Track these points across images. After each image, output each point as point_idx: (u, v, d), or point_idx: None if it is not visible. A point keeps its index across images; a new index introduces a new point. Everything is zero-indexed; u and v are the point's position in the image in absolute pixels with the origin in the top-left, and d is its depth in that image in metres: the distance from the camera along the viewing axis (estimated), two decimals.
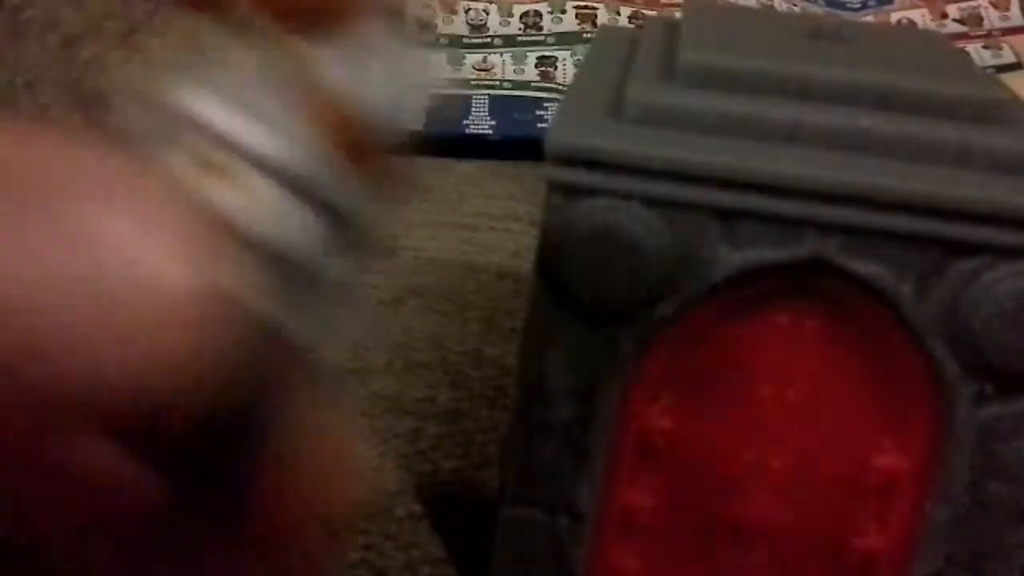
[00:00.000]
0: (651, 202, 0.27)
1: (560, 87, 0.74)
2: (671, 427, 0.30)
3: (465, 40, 0.78)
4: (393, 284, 0.53)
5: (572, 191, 0.27)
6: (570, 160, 0.27)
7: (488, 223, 0.60)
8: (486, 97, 0.73)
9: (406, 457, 0.41)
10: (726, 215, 0.27)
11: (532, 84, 0.74)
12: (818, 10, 0.86)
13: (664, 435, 0.30)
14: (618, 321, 0.28)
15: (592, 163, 0.27)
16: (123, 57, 0.57)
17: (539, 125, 0.71)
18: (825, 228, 0.27)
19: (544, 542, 0.31)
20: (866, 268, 0.28)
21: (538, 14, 0.79)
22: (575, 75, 0.33)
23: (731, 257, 0.28)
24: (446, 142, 0.70)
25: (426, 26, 0.78)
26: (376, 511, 0.38)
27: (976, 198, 0.27)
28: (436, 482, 0.39)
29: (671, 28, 0.35)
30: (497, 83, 0.74)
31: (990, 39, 0.85)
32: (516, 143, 0.70)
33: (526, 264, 0.55)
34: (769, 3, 0.82)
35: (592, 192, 0.27)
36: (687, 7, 0.37)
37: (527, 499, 0.31)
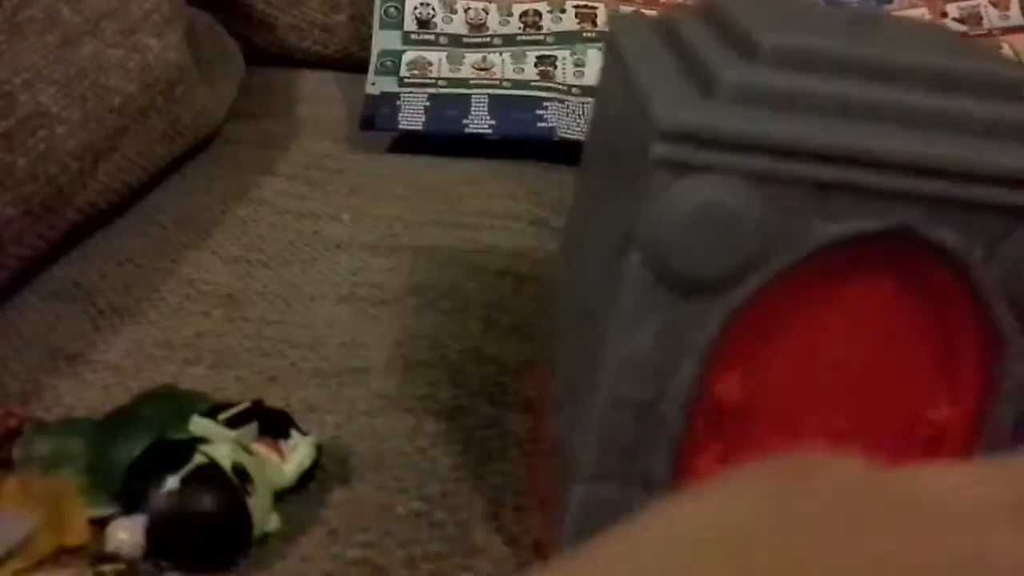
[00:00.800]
0: (751, 177, 0.29)
1: (559, 86, 0.74)
2: (743, 395, 0.32)
3: (465, 39, 0.78)
4: (393, 282, 0.53)
5: (680, 168, 0.28)
6: (680, 138, 0.28)
7: (488, 222, 0.60)
8: (486, 96, 0.73)
9: (406, 455, 0.40)
10: (821, 188, 0.29)
11: (532, 83, 0.74)
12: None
13: (735, 403, 0.32)
14: (713, 292, 0.30)
15: (701, 141, 0.28)
16: (122, 56, 0.56)
17: (538, 124, 0.71)
18: (910, 199, 0.29)
19: (617, 515, 0.32)
20: (944, 235, 0.30)
21: (537, 13, 0.79)
22: (636, 62, 0.34)
23: (825, 229, 0.29)
24: (446, 141, 0.70)
25: (426, 24, 0.78)
26: (376, 508, 0.38)
27: None
28: (436, 479, 0.39)
29: (710, 16, 0.36)
30: (497, 82, 0.74)
31: (990, 38, 0.85)
32: (515, 142, 0.70)
33: (526, 263, 0.55)
34: None
35: (699, 168, 0.28)
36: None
37: (601, 475, 0.32)
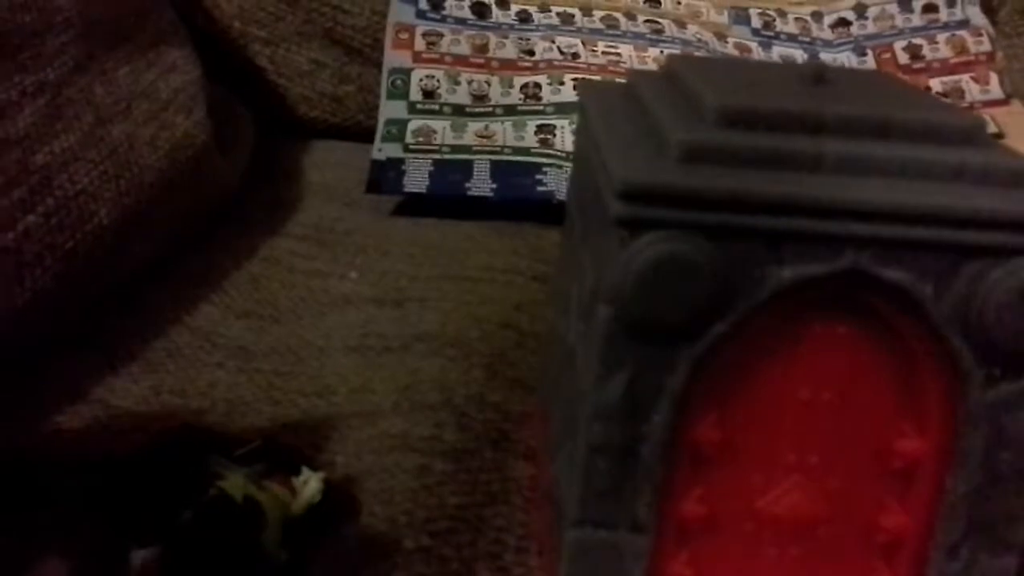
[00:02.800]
0: (708, 230, 0.30)
1: (559, 153, 0.77)
2: (719, 438, 0.33)
3: (468, 109, 0.81)
4: (400, 332, 0.55)
5: (638, 225, 0.30)
6: (635, 197, 0.30)
7: (491, 276, 0.62)
8: (487, 162, 0.76)
9: (414, 492, 0.42)
10: (774, 237, 0.31)
11: (532, 150, 0.77)
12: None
13: (713, 446, 0.33)
14: (679, 341, 0.31)
15: (656, 199, 0.30)
16: (152, 134, 0.60)
17: (538, 188, 0.74)
18: (860, 242, 0.31)
19: (607, 559, 0.34)
20: (894, 275, 0.31)
21: (538, 85, 0.82)
22: (599, 125, 0.36)
23: (779, 275, 0.31)
24: (448, 204, 0.73)
25: (431, 95, 0.82)
26: (385, 543, 0.39)
27: (981, 208, 0.31)
28: (443, 516, 0.41)
29: (668, 79, 0.38)
30: (498, 149, 0.77)
31: (972, 111, 0.89)
32: (516, 205, 0.73)
33: (528, 318, 0.57)
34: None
35: (656, 225, 0.30)
36: (669, 60, 0.40)
37: (589, 520, 0.33)
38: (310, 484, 0.39)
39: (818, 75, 0.37)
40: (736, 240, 0.31)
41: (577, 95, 0.79)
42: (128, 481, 0.38)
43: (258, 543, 0.35)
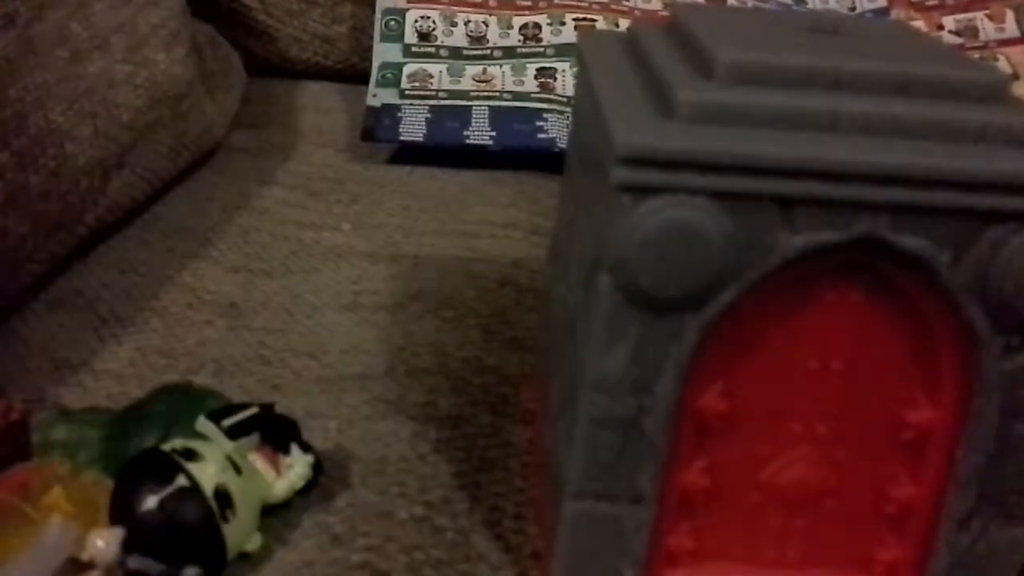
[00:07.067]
0: (716, 195, 0.29)
1: (560, 98, 0.75)
2: (726, 408, 0.32)
3: (465, 52, 0.78)
4: (394, 289, 0.54)
5: (641, 191, 0.29)
6: (639, 162, 0.28)
7: (489, 231, 0.61)
8: (486, 108, 0.73)
9: (407, 460, 0.41)
10: (786, 202, 0.29)
11: (532, 95, 0.75)
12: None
13: (718, 416, 0.32)
14: (684, 310, 0.30)
15: (661, 163, 0.28)
16: (131, 71, 0.57)
17: (539, 135, 0.72)
18: (876, 208, 0.29)
19: (607, 531, 0.33)
20: (911, 242, 0.30)
21: (537, 26, 0.80)
22: (599, 80, 0.34)
23: (791, 241, 0.29)
24: (446, 152, 0.71)
25: (426, 37, 0.79)
26: (378, 513, 0.38)
27: (1005, 170, 0.29)
28: (437, 485, 0.40)
29: (673, 30, 0.36)
30: (497, 94, 0.75)
31: (986, 51, 0.86)
32: (516, 153, 0.71)
33: (526, 273, 0.56)
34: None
35: (660, 190, 0.29)
36: (674, 9, 0.38)
37: (588, 491, 0.32)
38: (295, 469, 0.37)
39: (833, 26, 0.35)
40: (746, 205, 0.29)
41: (577, 44, 0.76)
42: (120, 437, 0.37)
43: (219, 539, 0.34)
